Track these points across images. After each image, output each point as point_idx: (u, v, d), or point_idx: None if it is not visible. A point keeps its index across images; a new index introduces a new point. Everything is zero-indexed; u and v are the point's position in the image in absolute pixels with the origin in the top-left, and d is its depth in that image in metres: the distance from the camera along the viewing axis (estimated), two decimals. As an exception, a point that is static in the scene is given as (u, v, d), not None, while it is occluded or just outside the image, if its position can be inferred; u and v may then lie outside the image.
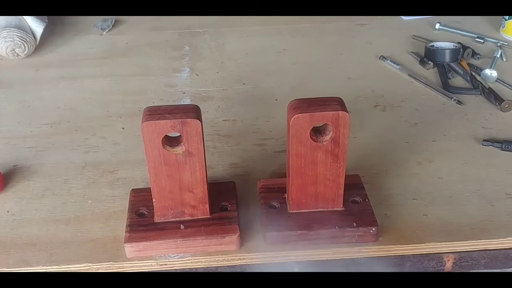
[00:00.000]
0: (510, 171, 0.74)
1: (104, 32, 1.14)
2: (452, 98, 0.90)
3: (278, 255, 0.63)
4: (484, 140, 0.79)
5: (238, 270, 0.63)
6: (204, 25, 1.17)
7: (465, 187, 0.72)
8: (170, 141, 0.59)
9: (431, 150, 0.78)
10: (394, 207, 0.68)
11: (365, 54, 1.05)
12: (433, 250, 0.64)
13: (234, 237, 0.62)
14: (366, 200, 0.66)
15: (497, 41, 1.07)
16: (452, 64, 0.99)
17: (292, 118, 0.58)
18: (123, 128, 0.85)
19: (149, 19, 1.19)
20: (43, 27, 1.06)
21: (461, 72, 0.97)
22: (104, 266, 0.62)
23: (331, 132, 0.59)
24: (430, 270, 0.65)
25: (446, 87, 0.93)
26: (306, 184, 0.63)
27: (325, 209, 0.64)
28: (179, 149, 0.59)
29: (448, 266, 0.65)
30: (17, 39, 1.01)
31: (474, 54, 1.02)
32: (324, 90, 0.94)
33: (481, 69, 0.97)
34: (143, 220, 0.64)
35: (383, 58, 1.02)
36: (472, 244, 0.64)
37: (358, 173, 0.70)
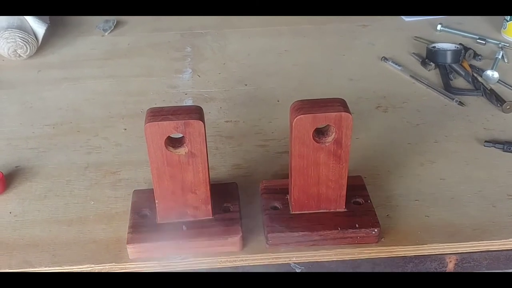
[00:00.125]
0: (511, 172, 0.74)
1: (106, 33, 1.14)
2: (453, 99, 0.90)
3: (280, 256, 0.63)
4: (485, 141, 0.79)
5: (240, 271, 0.63)
6: (206, 26, 1.17)
7: (467, 188, 0.72)
8: (173, 142, 0.60)
9: (433, 151, 0.79)
10: (396, 208, 0.68)
11: (366, 55, 1.05)
12: (435, 251, 0.64)
13: (237, 238, 0.62)
14: (368, 201, 0.66)
15: (498, 42, 1.07)
16: (454, 65, 0.99)
17: (295, 119, 0.58)
18: (125, 129, 0.85)
19: (151, 20, 1.19)
20: (45, 28, 1.06)
21: (463, 73, 0.97)
22: (107, 267, 0.62)
23: (334, 133, 0.59)
24: (432, 271, 0.65)
25: (448, 88, 0.93)
26: (309, 185, 0.63)
27: (327, 210, 0.65)
28: (182, 150, 0.59)
29: (450, 267, 0.65)
30: (19, 40, 1.02)
31: (475, 55, 1.02)
32: (326, 91, 0.94)
33: (483, 70, 0.97)
34: (145, 221, 0.64)
35: (384, 59, 1.02)
36: (474, 245, 0.64)
37: (360, 174, 0.70)
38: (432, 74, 0.99)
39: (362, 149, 0.79)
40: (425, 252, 0.64)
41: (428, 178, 0.74)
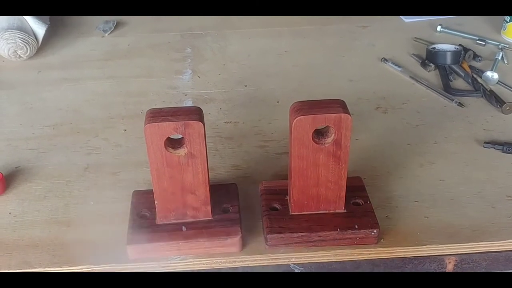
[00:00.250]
0: (511, 173, 0.74)
1: (106, 34, 1.15)
2: (453, 100, 0.90)
3: (279, 257, 0.63)
4: (485, 142, 0.79)
5: (240, 271, 0.63)
6: (206, 27, 1.17)
7: (466, 189, 0.72)
8: (173, 143, 0.60)
9: (433, 152, 0.79)
10: (396, 209, 0.69)
11: (366, 56, 1.05)
12: (434, 252, 0.64)
13: (236, 239, 0.62)
14: (368, 202, 0.66)
15: (498, 43, 1.07)
16: (454, 66, 0.99)
17: (295, 120, 0.58)
18: (125, 130, 0.85)
19: (151, 21, 1.19)
20: (45, 29, 1.06)
21: (463, 74, 0.97)
22: (106, 267, 0.62)
23: (333, 134, 0.59)
24: (431, 272, 0.65)
25: (448, 89, 0.93)
26: (308, 186, 0.63)
27: (326, 211, 0.65)
28: (182, 151, 0.59)
29: (449, 268, 0.65)
30: (19, 41, 1.02)
31: (475, 56, 1.03)
32: (326, 92, 0.94)
33: (482, 71, 0.97)
34: (145, 222, 0.64)
35: (384, 60, 1.02)
36: (473, 246, 0.64)
37: (359, 175, 0.70)
38: (431, 75, 0.99)
39: (361, 150, 0.79)
40: (425, 253, 0.64)
41: (428, 179, 0.74)
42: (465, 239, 0.64)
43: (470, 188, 0.72)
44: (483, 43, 1.08)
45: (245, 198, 0.69)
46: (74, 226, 0.67)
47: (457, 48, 1.02)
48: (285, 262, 0.63)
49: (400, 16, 1.19)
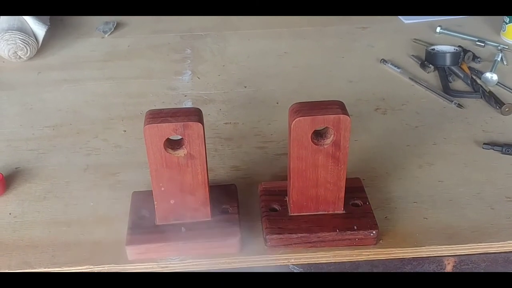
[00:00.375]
0: (510, 175, 0.74)
1: (106, 35, 1.15)
2: (452, 101, 0.90)
3: (279, 258, 0.63)
4: (484, 144, 0.79)
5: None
6: (205, 28, 1.17)
7: (465, 190, 0.72)
8: (172, 144, 0.60)
9: (432, 153, 0.79)
10: (395, 210, 0.69)
11: (366, 57, 1.05)
12: (433, 253, 0.64)
13: (235, 240, 0.62)
14: (367, 203, 0.66)
15: (497, 44, 1.07)
16: (453, 68, 0.99)
17: (294, 121, 0.58)
18: (125, 131, 0.85)
19: (151, 22, 1.19)
20: (45, 29, 1.06)
21: (462, 76, 0.97)
22: (106, 268, 0.62)
23: (332, 136, 0.60)
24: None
25: (447, 91, 0.93)
26: (307, 187, 0.63)
27: (325, 212, 0.65)
28: (181, 152, 0.60)
29: (448, 269, 0.65)
30: (19, 41, 1.02)
31: (474, 57, 1.03)
32: (325, 93, 0.94)
33: (482, 73, 0.97)
34: (144, 222, 0.64)
35: (384, 61, 1.02)
36: (472, 247, 0.64)
37: (358, 176, 0.70)
38: (431, 76, 0.99)
39: (360, 151, 0.79)
40: (423, 254, 0.64)
41: (427, 180, 0.74)
42: (464, 240, 0.64)
43: (469, 189, 0.72)
44: (483, 44, 1.08)
45: (245, 199, 0.69)
46: (73, 227, 0.67)
47: (457, 49, 1.02)
48: (284, 263, 0.63)
49: (400, 17, 1.19)
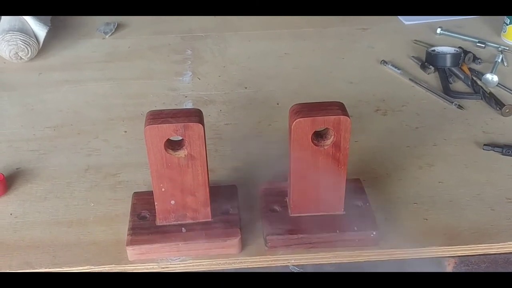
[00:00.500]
0: (510, 176, 0.74)
1: (107, 36, 1.15)
2: (453, 102, 0.90)
3: (279, 259, 0.63)
4: (484, 145, 0.79)
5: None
6: (206, 29, 1.17)
7: (465, 191, 0.72)
8: (173, 145, 0.60)
9: (432, 155, 0.79)
10: (395, 211, 0.69)
11: (366, 58, 1.05)
12: (433, 254, 0.64)
13: (236, 241, 0.62)
14: (367, 204, 0.66)
15: (498, 45, 1.07)
16: (453, 69, 0.99)
17: (294, 122, 0.58)
18: (126, 132, 0.85)
19: (151, 23, 1.19)
20: (46, 30, 1.06)
21: (462, 77, 0.97)
22: (106, 268, 0.62)
23: (333, 137, 0.60)
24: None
25: (447, 92, 0.93)
26: (307, 188, 0.63)
27: (326, 213, 0.65)
28: (182, 153, 0.60)
29: (449, 270, 0.65)
30: (20, 42, 1.02)
31: (475, 58, 1.03)
32: (325, 94, 0.94)
33: (482, 74, 0.97)
34: (145, 223, 0.64)
35: (384, 62, 1.02)
36: (472, 248, 0.64)
37: (359, 177, 0.70)
38: (431, 77, 0.99)
39: (361, 152, 0.79)
40: (424, 255, 0.64)
41: (427, 181, 0.74)
42: (464, 241, 0.64)
43: (469, 190, 0.72)
44: (483, 45, 1.08)
45: (245, 200, 0.69)
46: (74, 227, 0.67)
47: (457, 51, 1.02)
48: (284, 263, 0.63)
49: (400, 18, 1.19)
